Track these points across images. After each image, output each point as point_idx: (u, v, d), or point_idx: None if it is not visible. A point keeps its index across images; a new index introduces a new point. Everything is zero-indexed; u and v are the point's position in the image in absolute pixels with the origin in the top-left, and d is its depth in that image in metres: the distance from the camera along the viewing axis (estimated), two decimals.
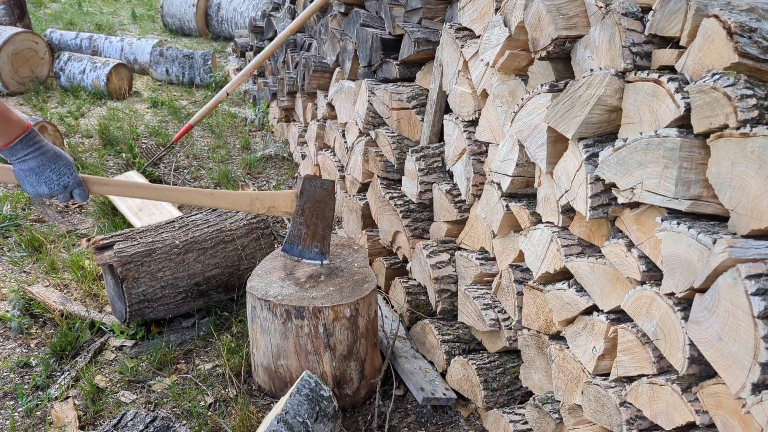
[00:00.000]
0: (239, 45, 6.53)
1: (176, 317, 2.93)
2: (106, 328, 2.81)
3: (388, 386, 2.49)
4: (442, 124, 2.63)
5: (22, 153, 1.65)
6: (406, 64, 2.93)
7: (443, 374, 2.49)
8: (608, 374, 1.73)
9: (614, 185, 1.57)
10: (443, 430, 2.32)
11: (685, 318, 1.41)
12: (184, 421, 2.28)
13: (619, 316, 1.68)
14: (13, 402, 2.41)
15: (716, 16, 1.35)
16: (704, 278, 1.30)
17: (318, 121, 4.07)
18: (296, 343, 2.25)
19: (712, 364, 1.32)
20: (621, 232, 1.65)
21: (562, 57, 1.84)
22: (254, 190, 4.24)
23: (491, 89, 2.18)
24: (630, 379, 1.64)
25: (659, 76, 1.46)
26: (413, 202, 2.73)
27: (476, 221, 2.35)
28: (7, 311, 2.90)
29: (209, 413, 2.33)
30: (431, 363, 2.56)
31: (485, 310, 2.23)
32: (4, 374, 2.56)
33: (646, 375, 1.57)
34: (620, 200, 1.56)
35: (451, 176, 2.56)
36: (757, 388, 1.22)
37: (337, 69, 3.70)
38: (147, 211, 3.70)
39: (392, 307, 2.85)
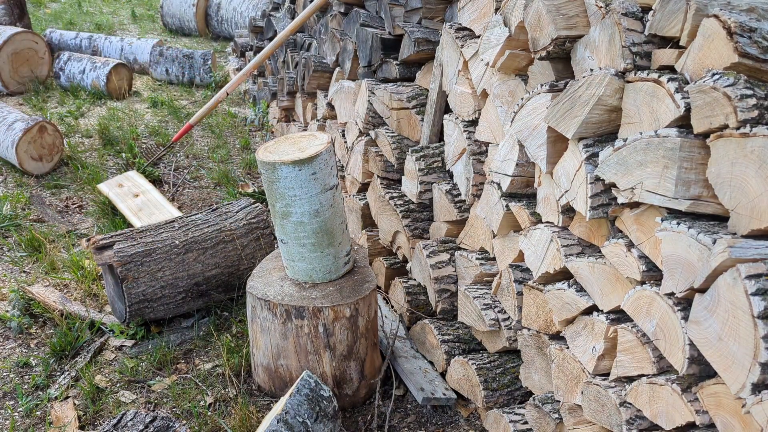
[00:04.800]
0: (239, 45, 6.53)
1: (176, 317, 2.93)
2: (106, 328, 2.81)
3: (387, 386, 2.49)
4: (442, 124, 2.63)
5: None
6: (406, 64, 2.93)
7: (443, 374, 2.49)
8: (608, 374, 1.73)
9: (614, 185, 1.57)
10: (443, 430, 2.32)
11: (685, 318, 1.41)
12: (184, 421, 2.28)
13: (619, 316, 1.68)
14: (13, 402, 2.41)
15: (716, 16, 1.35)
16: (704, 278, 1.30)
17: (318, 120, 4.07)
18: (296, 343, 2.25)
19: (711, 364, 1.32)
20: (621, 232, 1.65)
21: (562, 57, 1.84)
22: (254, 189, 4.24)
23: (491, 89, 2.18)
24: (630, 379, 1.64)
25: (659, 76, 1.46)
26: (413, 202, 2.73)
27: (476, 221, 2.35)
28: (7, 311, 2.90)
29: (209, 413, 2.33)
30: (431, 363, 2.56)
31: (485, 310, 2.23)
32: (4, 374, 2.56)
33: (646, 375, 1.57)
34: (620, 200, 1.56)
35: (451, 176, 2.56)
36: (756, 388, 1.22)
37: (337, 69, 3.70)
38: (147, 211, 3.70)
39: (392, 307, 2.84)
